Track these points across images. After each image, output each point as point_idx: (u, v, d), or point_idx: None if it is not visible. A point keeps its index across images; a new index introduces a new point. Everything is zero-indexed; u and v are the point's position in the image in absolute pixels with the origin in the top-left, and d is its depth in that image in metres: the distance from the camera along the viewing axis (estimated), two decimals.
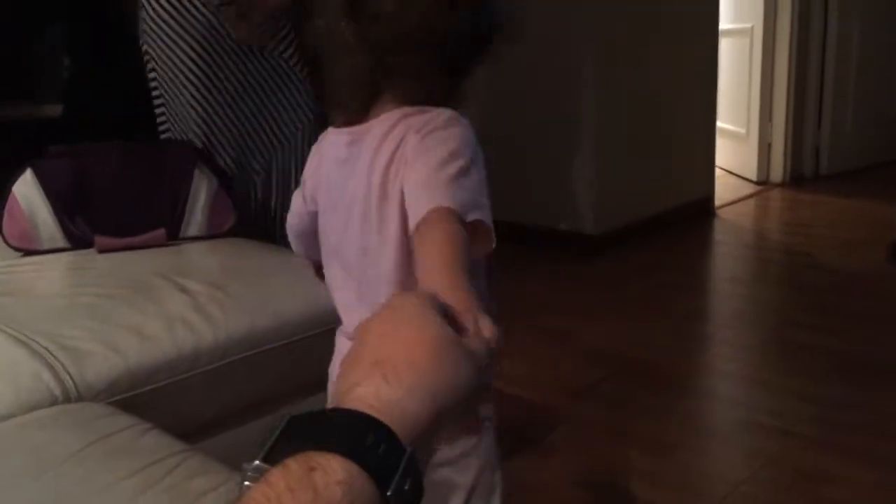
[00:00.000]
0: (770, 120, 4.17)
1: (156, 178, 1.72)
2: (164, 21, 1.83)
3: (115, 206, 1.67)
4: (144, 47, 1.89)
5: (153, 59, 1.87)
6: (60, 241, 1.65)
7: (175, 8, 1.81)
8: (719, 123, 3.78)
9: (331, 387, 1.00)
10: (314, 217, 0.94)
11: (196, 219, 1.73)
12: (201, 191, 1.73)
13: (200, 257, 1.65)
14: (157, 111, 1.95)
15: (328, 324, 1.40)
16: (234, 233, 1.80)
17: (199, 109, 1.85)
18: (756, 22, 4.06)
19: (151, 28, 1.84)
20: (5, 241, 1.63)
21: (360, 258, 0.86)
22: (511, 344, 2.16)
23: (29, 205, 1.61)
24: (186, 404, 1.22)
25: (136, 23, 3.18)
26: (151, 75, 1.91)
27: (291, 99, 1.95)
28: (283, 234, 1.69)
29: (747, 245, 3.33)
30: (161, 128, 1.95)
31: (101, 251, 1.61)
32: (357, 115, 0.85)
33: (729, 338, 2.30)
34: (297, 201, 0.99)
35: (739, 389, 1.96)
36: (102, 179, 1.67)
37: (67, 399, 1.10)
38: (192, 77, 1.84)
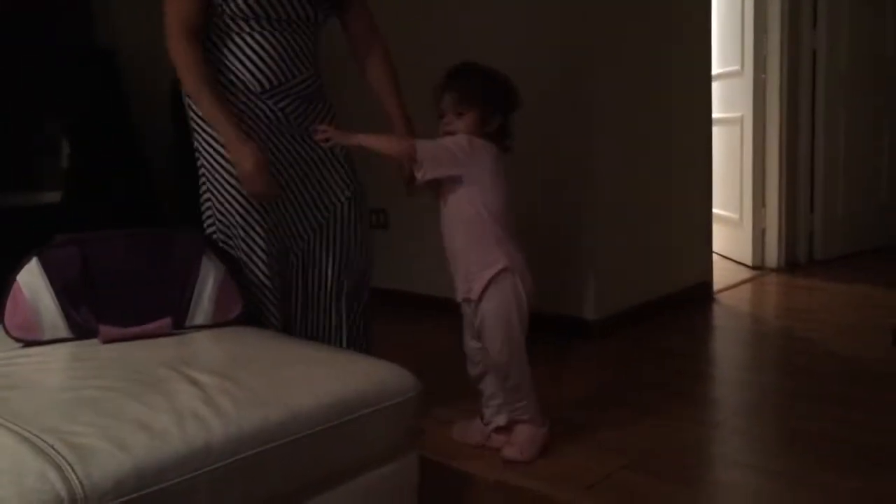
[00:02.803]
0: (763, 206, 4.22)
1: (163, 267, 1.69)
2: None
3: (121, 294, 1.64)
4: (195, 144, 1.97)
5: (201, 152, 1.96)
6: (63, 332, 1.61)
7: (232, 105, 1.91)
8: (714, 209, 3.82)
9: None
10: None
11: (203, 307, 1.70)
12: (209, 279, 1.71)
13: (208, 347, 1.61)
14: (203, 206, 2.02)
15: (341, 416, 1.36)
16: (239, 321, 1.77)
17: (244, 202, 1.94)
18: (746, 111, 4.16)
19: (200, 125, 1.94)
20: (6, 332, 1.59)
21: None
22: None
23: (33, 294, 1.58)
24: None
25: (133, 110, 3.19)
26: (201, 170, 1.98)
27: (334, 179, 2.08)
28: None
29: (749, 330, 3.31)
30: (206, 221, 2.02)
31: (106, 342, 1.57)
32: None
33: (740, 426, 2.26)
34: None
35: (756, 481, 1.90)
36: (109, 268, 1.65)
37: (73, 501, 1.04)
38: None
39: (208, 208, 1.99)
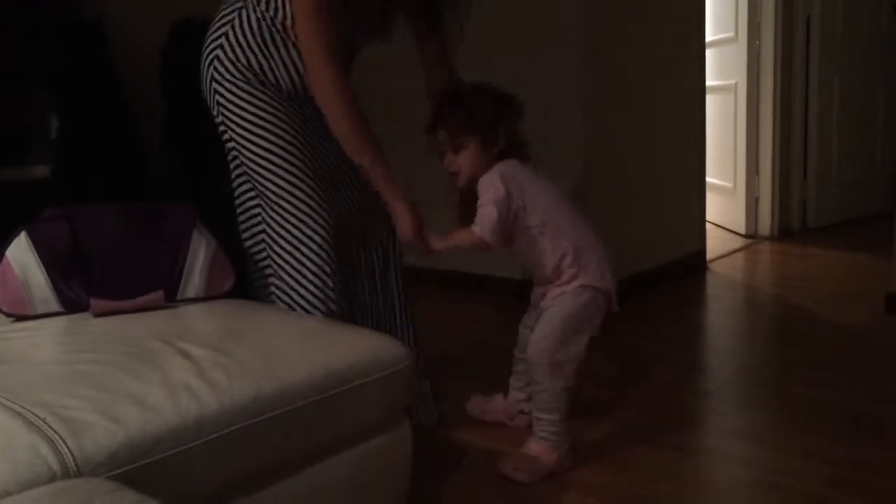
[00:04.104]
0: (757, 174, 4.21)
1: (154, 240, 1.68)
2: (241, 90, 1.78)
3: (111, 268, 1.62)
4: (220, 118, 1.83)
5: (230, 130, 1.82)
6: (54, 305, 1.60)
7: (253, 76, 1.78)
8: (708, 178, 3.81)
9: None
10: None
11: (194, 280, 1.69)
12: (200, 252, 1.70)
13: (200, 320, 1.60)
14: (242, 189, 1.91)
15: (333, 388, 1.36)
16: (231, 294, 1.76)
17: (290, 176, 1.79)
18: (739, 79, 4.13)
19: (228, 100, 1.80)
20: None
21: None
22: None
23: (23, 269, 1.57)
24: (190, 476, 1.16)
25: (123, 82, 3.14)
26: (230, 145, 1.85)
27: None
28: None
29: (742, 299, 3.32)
30: (241, 205, 1.93)
31: (97, 315, 1.57)
32: None
33: (732, 394, 2.27)
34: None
35: (747, 448, 1.92)
36: (99, 241, 1.63)
37: (66, 474, 1.04)
38: (279, 139, 1.79)
39: (247, 190, 1.89)
